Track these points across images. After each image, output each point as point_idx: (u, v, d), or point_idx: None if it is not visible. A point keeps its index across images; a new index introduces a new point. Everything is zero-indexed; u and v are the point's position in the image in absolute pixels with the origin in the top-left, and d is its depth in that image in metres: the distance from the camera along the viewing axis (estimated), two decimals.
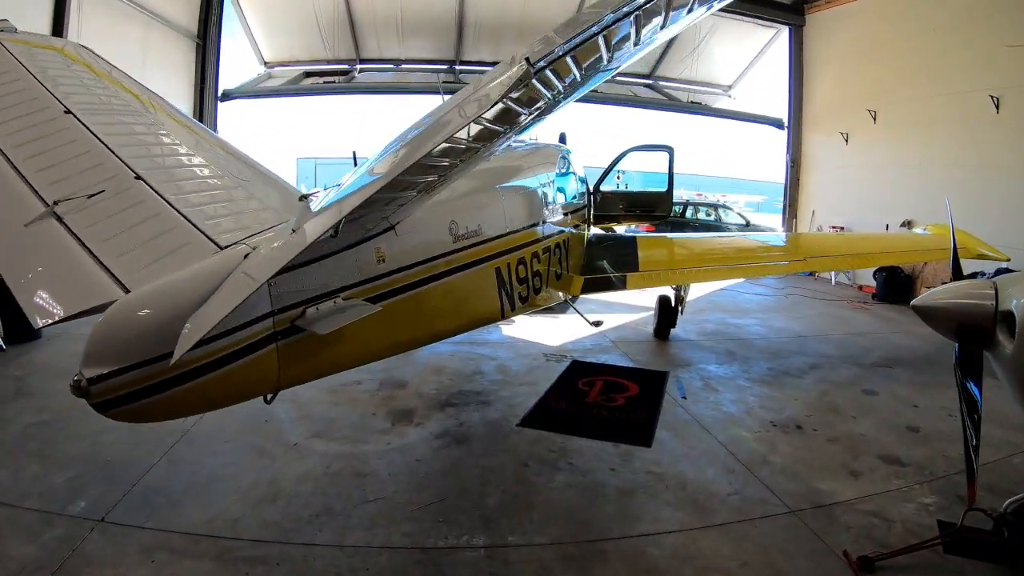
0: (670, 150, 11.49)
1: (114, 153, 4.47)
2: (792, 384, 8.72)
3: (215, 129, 19.68)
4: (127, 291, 3.43)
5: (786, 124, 19.85)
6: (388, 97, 22.84)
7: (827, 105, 18.90)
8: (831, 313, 13.65)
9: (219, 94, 20.00)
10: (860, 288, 16.60)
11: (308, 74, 21.74)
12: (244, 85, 20.86)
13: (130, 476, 5.68)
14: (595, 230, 11.70)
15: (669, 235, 12.18)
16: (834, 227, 18.19)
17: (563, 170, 9.07)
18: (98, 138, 4.60)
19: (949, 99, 14.82)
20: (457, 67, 21.80)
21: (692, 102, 21.15)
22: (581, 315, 8.52)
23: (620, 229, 13.50)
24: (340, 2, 20.21)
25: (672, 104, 20.98)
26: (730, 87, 22.34)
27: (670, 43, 20.93)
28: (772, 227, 22.42)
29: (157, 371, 3.13)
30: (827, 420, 7.45)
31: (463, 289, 5.41)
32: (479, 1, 20.24)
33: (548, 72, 2.92)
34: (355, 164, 7.35)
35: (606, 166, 11.83)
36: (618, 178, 12.11)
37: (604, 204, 11.66)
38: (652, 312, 11.37)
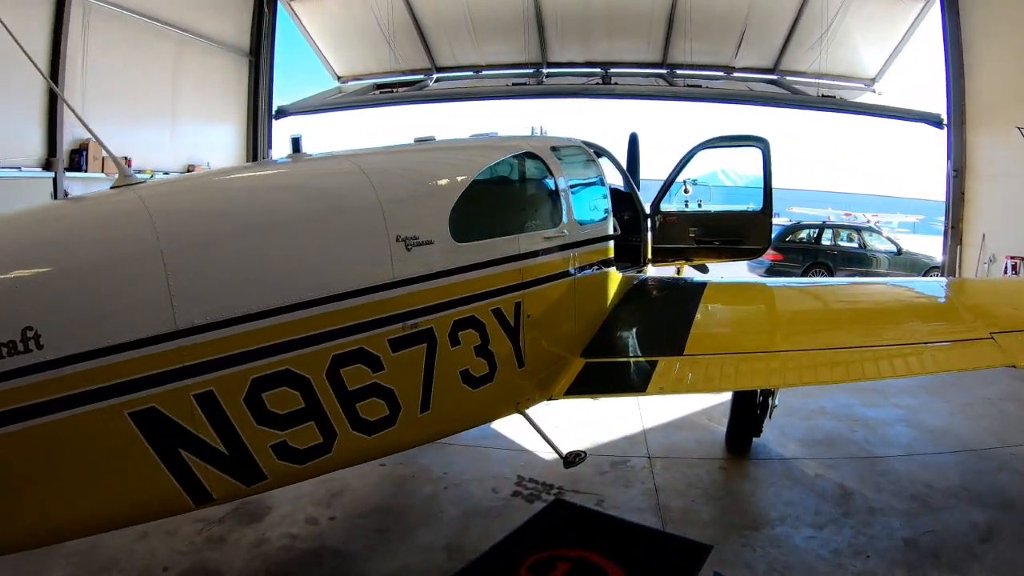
0: (763, 145, 7.28)
1: None
2: None
3: (269, 146, 17.48)
4: None
5: (945, 121, 14.47)
6: (467, 104, 19.50)
7: (997, 93, 13.51)
8: (1015, 392, 8.59)
9: (273, 111, 17.70)
10: None
11: (379, 86, 19.01)
12: (300, 101, 18.47)
13: None
14: (654, 271, 7.72)
15: (764, 281, 7.73)
16: (1012, 258, 13.04)
17: (539, 177, 5.32)
18: None
19: None
20: (544, 70, 18.12)
21: (823, 96, 16.13)
22: (545, 437, 4.73)
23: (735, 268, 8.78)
24: (402, 10, 17.45)
25: (796, 99, 16.08)
26: (874, 80, 17.05)
27: (793, 28, 16.17)
28: (931, 255, 17.09)
29: None
30: None
31: None
32: None
33: None
34: None
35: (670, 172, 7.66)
36: (686, 191, 7.91)
37: (667, 232, 7.55)
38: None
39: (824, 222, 20.00)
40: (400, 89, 18.18)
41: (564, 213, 5.23)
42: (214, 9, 16.14)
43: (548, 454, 6.61)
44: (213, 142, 16.66)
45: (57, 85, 11.65)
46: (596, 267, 5.74)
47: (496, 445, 6.89)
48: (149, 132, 14.54)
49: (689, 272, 8.42)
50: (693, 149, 7.40)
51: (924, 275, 17.19)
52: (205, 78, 16.20)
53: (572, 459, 4.64)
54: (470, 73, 18.87)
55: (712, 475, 6.23)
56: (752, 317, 6.13)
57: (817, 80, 16.85)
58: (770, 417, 6.43)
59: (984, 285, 8.54)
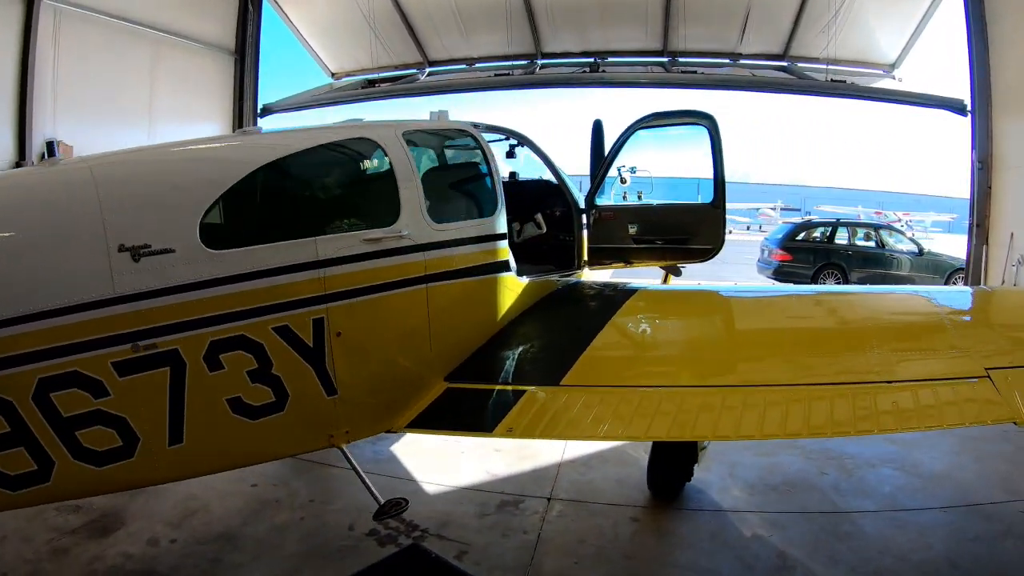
0: (709, 122, 5.85)
1: None
2: None
3: None
4: None
5: (968, 107, 12.62)
6: (460, 97, 18.43)
7: None
8: None
9: (259, 109, 16.76)
10: None
11: (371, 82, 17.97)
12: (286, 99, 17.60)
13: None
14: (592, 275, 6.40)
15: (717, 288, 6.24)
16: None
17: (367, 167, 4.35)
18: None
19: None
20: (539, 61, 16.81)
21: (833, 80, 14.40)
22: (364, 481, 3.72)
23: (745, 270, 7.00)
24: (388, 5, 16.41)
25: (802, 84, 14.40)
26: (893, 66, 15.21)
27: (801, 10, 14.50)
28: (957, 256, 15.27)
29: None
30: None
31: None
32: None
33: None
34: None
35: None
36: (623, 181, 6.51)
37: (602, 229, 6.19)
38: None
39: (838, 219, 18.11)
40: (383, 84, 17.03)
41: (406, 209, 4.02)
42: (196, 9, 15.33)
43: (435, 487, 5.53)
44: None
45: (26, 89, 11.26)
46: (471, 273, 4.47)
47: (387, 472, 5.78)
48: (124, 133, 14.09)
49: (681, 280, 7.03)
50: (627, 130, 6.01)
51: (948, 277, 15.39)
52: (186, 78, 15.44)
53: (387, 509, 3.68)
54: (463, 66, 17.65)
55: (618, 528, 4.80)
56: (672, 337, 4.75)
57: (831, 66, 15.00)
58: (698, 461, 5.01)
59: (998, 297, 6.53)
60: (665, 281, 6.92)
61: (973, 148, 12.45)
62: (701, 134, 5.77)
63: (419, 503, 5.17)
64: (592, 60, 16.36)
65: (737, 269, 19.23)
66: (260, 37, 16.85)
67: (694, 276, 7.36)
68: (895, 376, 3.66)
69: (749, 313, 5.12)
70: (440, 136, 4.99)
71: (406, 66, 17.92)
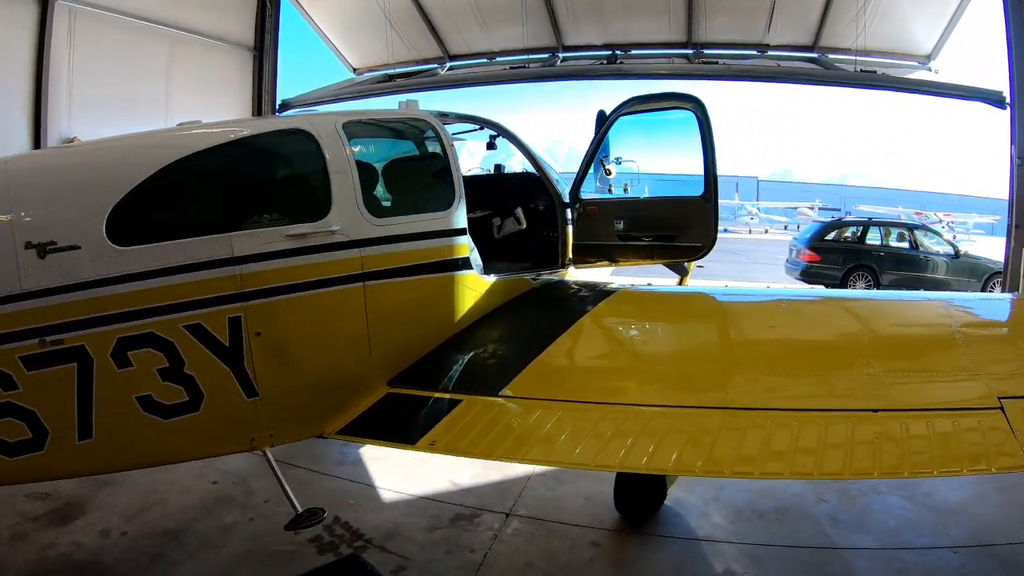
0: (696, 106, 5.26)
1: None
2: None
3: None
4: None
5: (1008, 100, 11.79)
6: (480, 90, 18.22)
7: None
8: None
9: (277, 105, 16.71)
10: None
11: (391, 77, 17.80)
12: (304, 95, 17.56)
13: None
14: (576, 274, 6.03)
15: (710, 291, 5.81)
16: None
17: (297, 160, 4.07)
18: None
19: None
20: (560, 54, 16.47)
21: (863, 71, 13.69)
22: (284, 489, 3.60)
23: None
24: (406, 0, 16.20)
25: (829, 76, 13.71)
26: (929, 57, 14.38)
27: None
28: (996, 259, 14.39)
29: None
30: None
31: None
32: None
33: None
34: None
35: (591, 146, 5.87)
36: (608, 173, 6.09)
37: (586, 225, 5.72)
38: None
39: (870, 219, 17.28)
40: (401, 79, 16.89)
41: (338, 203, 3.73)
42: (214, 7, 15.31)
43: (392, 494, 5.24)
44: None
45: (41, 88, 11.43)
46: (420, 270, 4.14)
47: (347, 475, 5.62)
48: (140, 130, 14.13)
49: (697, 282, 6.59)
50: (609, 117, 5.57)
51: (986, 282, 14.54)
52: (204, 75, 15.44)
53: (303, 519, 3.50)
54: (484, 60, 17.33)
55: (575, 552, 4.39)
56: (638, 347, 4.29)
57: (863, 58, 14.23)
58: (670, 483, 4.59)
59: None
60: (681, 283, 6.49)
61: (1013, 143, 11.60)
62: (689, 120, 5.32)
63: (370, 510, 4.96)
64: (614, 52, 15.97)
65: (767, 269, 18.59)
66: (279, 33, 16.79)
67: (719, 276, 6.95)
68: (881, 404, 3.10)
69: (730, 322, 4.65)
70: (391, 127, 4.68)
71: (426, 61, 17.67)
